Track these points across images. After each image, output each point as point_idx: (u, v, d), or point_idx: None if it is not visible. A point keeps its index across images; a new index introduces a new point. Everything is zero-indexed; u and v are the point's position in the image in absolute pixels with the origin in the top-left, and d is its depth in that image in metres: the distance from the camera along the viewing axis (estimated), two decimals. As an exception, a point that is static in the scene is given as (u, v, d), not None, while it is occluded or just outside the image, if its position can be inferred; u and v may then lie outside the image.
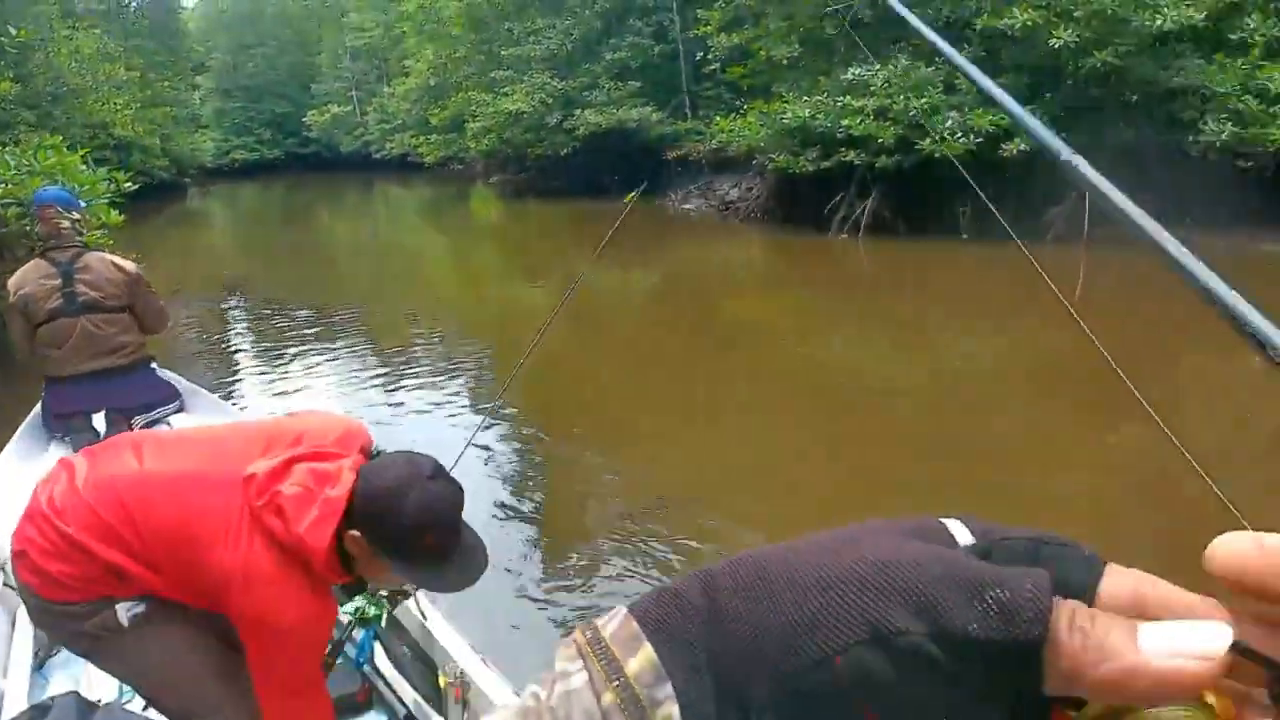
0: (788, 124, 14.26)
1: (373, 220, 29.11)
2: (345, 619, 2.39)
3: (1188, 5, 12.05)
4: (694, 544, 4.55)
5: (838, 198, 14.49)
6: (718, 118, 17.55)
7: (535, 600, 4.11)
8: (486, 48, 28.00)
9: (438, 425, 6.50)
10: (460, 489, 1.76)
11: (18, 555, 1.80)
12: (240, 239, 24.98)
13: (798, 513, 5.05)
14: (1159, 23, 12.08)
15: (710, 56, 16.87)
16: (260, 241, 23.50)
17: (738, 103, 21.00)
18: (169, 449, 1.89)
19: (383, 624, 2.44)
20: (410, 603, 2.52)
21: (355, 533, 1.68)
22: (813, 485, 5.49)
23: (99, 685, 2.46)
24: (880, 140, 13.22)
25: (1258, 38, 12.54)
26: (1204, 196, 12.91)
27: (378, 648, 2.56)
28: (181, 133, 39.35)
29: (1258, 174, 12.20)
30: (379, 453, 1.81)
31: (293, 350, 9.36)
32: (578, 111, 23.95)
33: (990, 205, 2.23)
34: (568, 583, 4.29)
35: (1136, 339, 7.63)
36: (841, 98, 13.92)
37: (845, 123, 13.50)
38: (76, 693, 2.00)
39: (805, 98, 14.48)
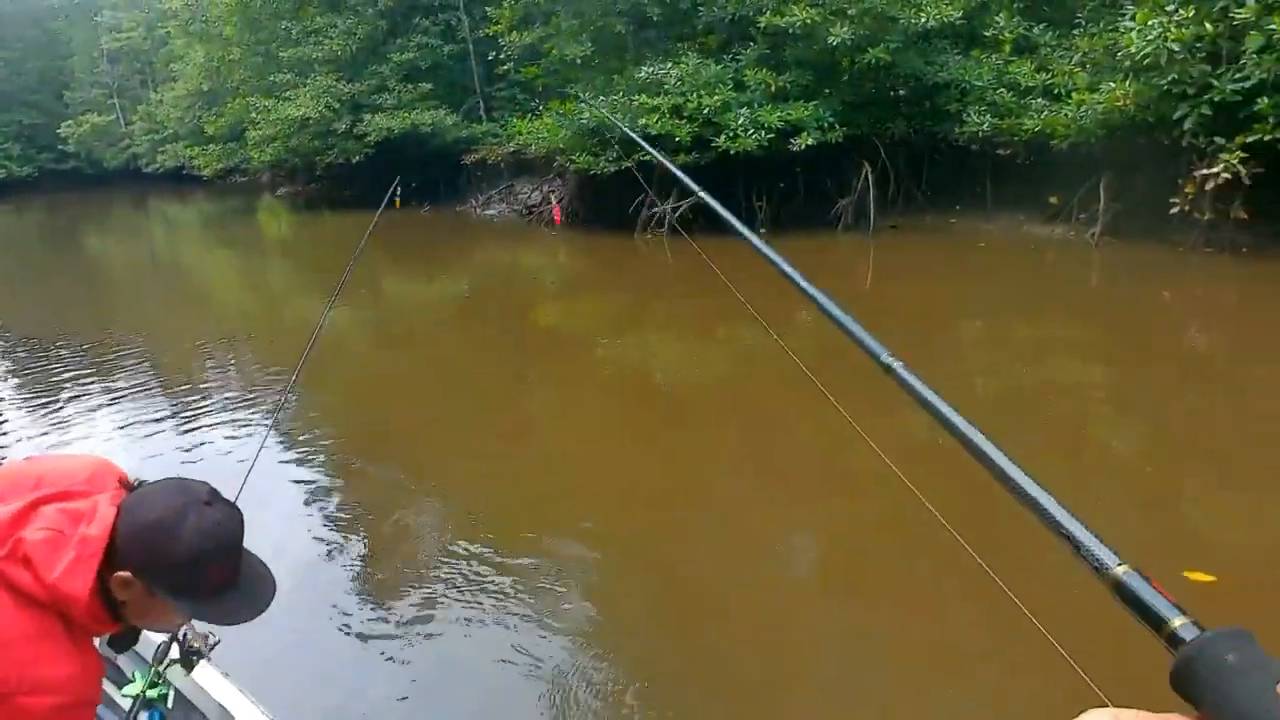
0: (586, 124, 14.17)
1: (148, 240, 26.84)
2: (125, 702, 2.12)
3: (947, 4, 12.91)
4: (517, 560, 4.39)
5: (640, 198, 14.56)
6: (514, 120, 17.27)
7: (341, 654, 3.72)
8: (263, 49, 26.30)
9: (233, 460, 6.00)
10: (239, 512, 1.56)
11: None
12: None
13: (621, 518, 5.02)
14: (922, 19, 12.88)
15: (503, 56, 16.48)
16: (16, 271, 21.01)
17: (533, 104, 20.85)
18: None
19: (169, 705, 2.15)
20: (203, 678, 2.26)
21: (124, 573, 1.47)
22: (631, 488, 5.46)
23: None
24: (677, 138, 13.38)
25: (1007, 34, 13.64)
26: (970, 184, 13.98)
27: None
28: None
29: (1014, 160, 13.27)
30: (140, 484, 1.59)
31: (64, 394, 8.37)
32: (367, 116, 22.92)
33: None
34: (387, 625, 3.93)
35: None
36: (637, 96, 13.98)
37: (643, 121, 13.56)
38: None
39: (601, 97, 14.44)
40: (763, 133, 13.14)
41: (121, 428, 7.21)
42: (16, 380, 9.42)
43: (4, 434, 7.37)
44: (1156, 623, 0.65)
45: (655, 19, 14.71)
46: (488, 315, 11.14)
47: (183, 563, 1.48)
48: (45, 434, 7.24)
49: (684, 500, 5.27)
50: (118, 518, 1.48)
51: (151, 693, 2.09)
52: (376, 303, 12.92)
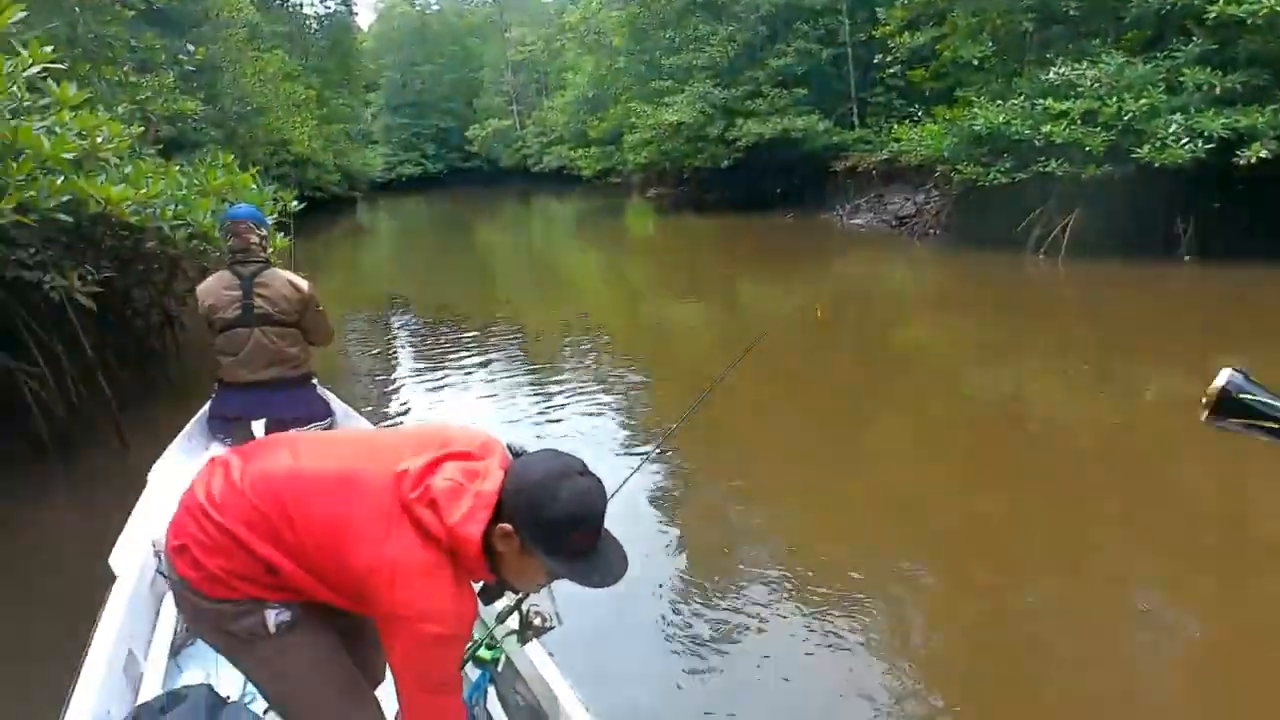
0: (977, 131, 12.96)
1: (528, 234, 29.28)
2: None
3: None
4: (842, 595, 3.99)
5: (1035, 213, 13.05)
6: (895, 125, 16.34)
7: (668, 662, 3.61)
8: (647, 57, 27.60)
9: (590, 450, 5.87)
10: (603, 486, 1.74)
11: (177, 550, 1.83)
12: (403, 253, 25.45)
13: (960, 570, 4.36)
14: None
15: (891, 59, 15.63)
16: (421, 256, 23.87)
17: (910, 109, 19.70)
18: (322, 448, 1.90)
19: (499, 669, 2.41)
20: (532, 653, 2.45)
21: (506, 525, 1.68)
22: (976, 537, 4.70)
23: (227, 681, 2.53)
24: (1088, 147, 11.77)
25: None
26: None
27: (491, 692, 2.48)
28: (353, 148, 41.08)
29: None
30: (522, 451, 1.81)
31: (448, 368, 9.07)
32: (739, 121, 23.12)
33: None
34: (708, 642, 3.73)
35: None
36: (1040, 100, 12.51)
37: (1046, 129, 12.11)
38: (209, 685, 2.22)
39: (998, 101, 13.12)
40: (1199, 142, 11.13)
41: (491, 404, 7.60)
42: (410, 351, 10.46)
43: (394, 398, 8.10)
44: None
45: (1070, 13, 13.07)
46: (840, 330, 10.42)
47: (556, 520, 1.64)
48: (426, 402, 7.85)
49: (1036, 559, 4.45)
50: (506, 478, 1.71)
51: (486, 653, 2.26)
52: (726, 307, 12.79)
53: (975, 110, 13.10)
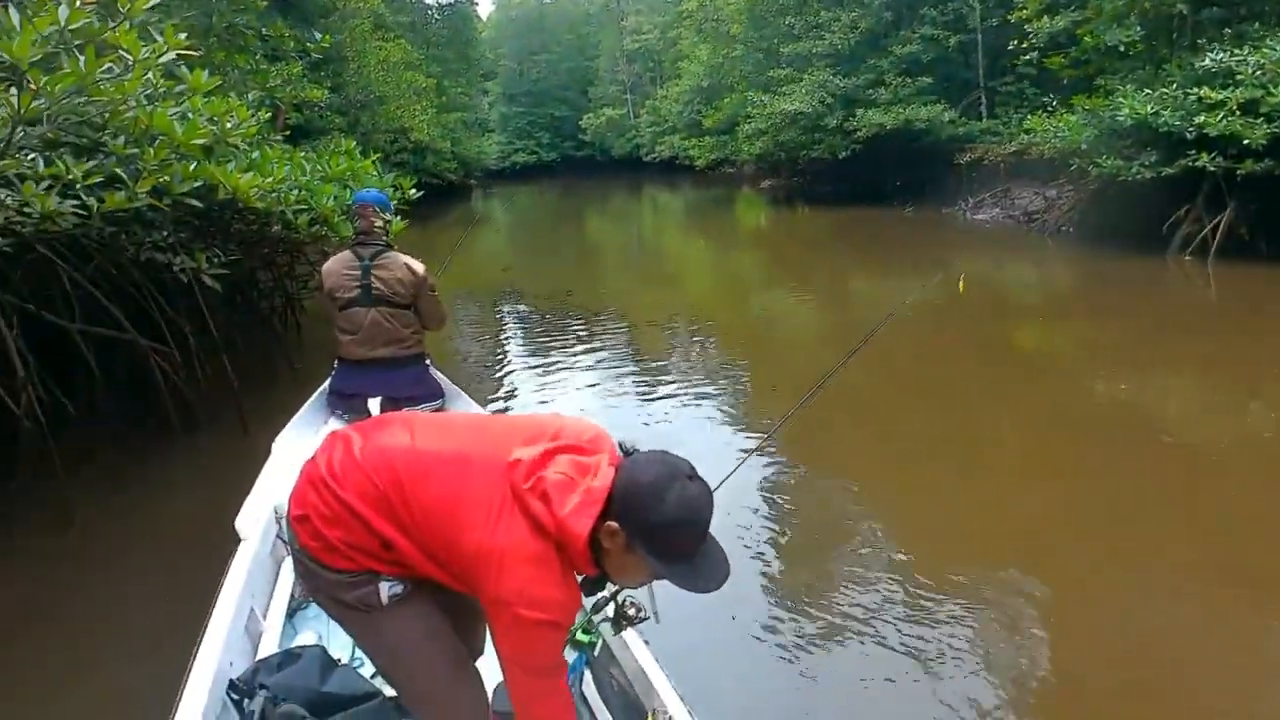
0: (1121, 121, 12.10)
1: (639, 224, 29.22)
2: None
3: None
4: (959, 613, 3.77)
5: (1182, 210, 12.14)
6: (1030, 116, 15.46)
7: (763, 658, 3.57)
8: (765, 45, 27.09)
9: (694, 443, 5.93)
10: (711, 493, 1.75)
11: (299, 519, 1.90)
12: (515, 240, 25.77)
13: (1084, 591, 4.03)
14: None
15: (1027, 45, 14.76)
16: (532, 243, 24.13)
17: (1044, 99, 18.65)
18: (438, 429, 1.95)
19: (595, 653, 2.40)
20: (628, 638, 2.48)
21: (613, 524, 1.69)
22: (1114, 567, 4.25)
23: (338, 644, 2.75)
24: (1246, 141, 10.84)
25: None
26: None
27: (587, 676, 2.54)
28: (470, 137, 41.87)
29: None
30: (633, 450, 1.82)
31: (555, 355, 9.17)
32: (860, 111, 22.42)
33: None
34: (802, 642, 3.65)
35: None
36: (1193, 89, 11.60)
37: (1199, 120, 11.22)
38: (322, 647, 2.41)
39: (1146, 90, 12.22)
40: (1381, 137, 10.11)
41: (596, 393, 7.56)
42: (519, 337, 10.55)
43: (503, 383, 8.15)
44: None
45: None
46: (964, 329, 9.81)
47: (663, 524, 1.67)
48: (532, 387, 7.89)
49: (1167, 579, 4.13)
50: (616, 476, 1.73)
51: (583, 637, 2.26)
52: (838, 301, 12.37)
53: (1119, 99, 12.24)
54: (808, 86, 23.53)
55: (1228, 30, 12.47)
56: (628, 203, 37.09)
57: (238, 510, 3.31)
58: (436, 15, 48.80)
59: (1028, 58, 15.44)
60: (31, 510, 5.02)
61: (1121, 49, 13.20)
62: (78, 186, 4.45)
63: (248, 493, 3.51)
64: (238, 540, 3.13)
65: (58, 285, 5.73)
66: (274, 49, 10.09)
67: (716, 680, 3.33)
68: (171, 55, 4.22)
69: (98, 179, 4.50)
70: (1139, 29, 12.97)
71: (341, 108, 23.79)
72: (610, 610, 2.19)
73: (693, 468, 1.74)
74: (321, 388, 4.76)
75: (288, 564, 3.15)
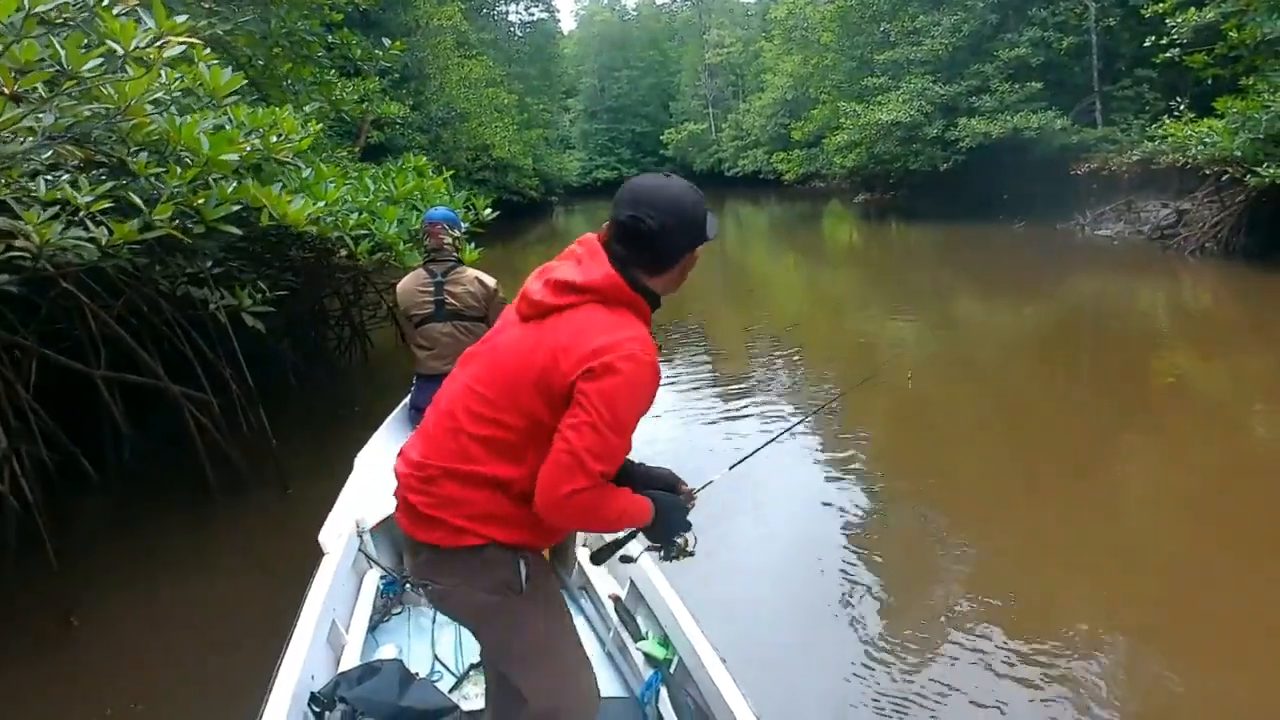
0: (1289, 124, 10.60)
1: (721, 240, 28.16)
2: (639, 656, 2.74)
3: None
4: (1049, 662, 3.44)
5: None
6: (1152, 123, 13.90)
7: (840, 678, 3.43)
8: (858, 53, 25.79)
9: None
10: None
11: (413, 521, 1.88)
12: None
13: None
14: None
15: (1167, 42, 13.22)
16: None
17: (1167, 103, 17.02)
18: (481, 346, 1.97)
19: (671, 670, 2.60)
20: (704, 656, 2.51)
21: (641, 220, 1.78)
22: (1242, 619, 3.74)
23: (418, 658, 2.92)
24: None
25: None
26: None
27: (663, 694, 2.56)
28: (551, 153, 41.46)
29: None
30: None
31: None
32: (961, 120, 20.96)
33: None
34: (878, 663, 3.52)
35: None
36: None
37: (1390, 120, 9.67)
38: (400, 661, 2.62)
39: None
40: None
41: (674, 418, 7.09)
42: None
43: None
44: None
45: None
46: (1084, 360, 8.92)
47: (674, 195, 1.83)
48: None
49: None
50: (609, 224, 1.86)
51: (659, 651, 2.65)
52: (945, 325, 11.24)
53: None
54: (905, 95, 22.17)
55: None
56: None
57: (272, 592, 3.34)
58: (519, 33, 48.94)
59: (1168, 55, 13.84)
60: (29, 609, 4.16)
61: (1277, 44, 11.61)
62: (81, 214, 3.64)
63: (328, 509, 3.54)
64: (321, 554, 3.17)
65: (84, 326, 4.97)
66: (346, 61, 9.40)
67: (795, 701, 3.25)
68: (177, 48, 3.33)
69: (105, 205, 3.68)
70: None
71: (423, 125, 23.47)
72: (654, 557, 2.19)
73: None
74: (403, 402, 4.84)
75: (370, 577, 3.26)
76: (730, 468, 2.37)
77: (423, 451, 1.86)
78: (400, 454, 1.95)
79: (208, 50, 4.47)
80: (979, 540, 4.66)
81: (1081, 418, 6.88)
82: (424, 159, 8.33)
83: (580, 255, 1.81)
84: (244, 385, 5.32)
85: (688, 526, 2.00)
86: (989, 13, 21.80)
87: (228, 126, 4.50)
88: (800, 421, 5.43)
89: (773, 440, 2.81)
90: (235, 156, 4.19)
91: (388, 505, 3.39)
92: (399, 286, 4.59)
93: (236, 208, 4.38)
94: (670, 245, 1.81)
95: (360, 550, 3.36)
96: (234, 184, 4.43)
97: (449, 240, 4.45)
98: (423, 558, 1.90)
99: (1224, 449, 6.03)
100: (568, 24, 66.22)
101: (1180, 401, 7.33)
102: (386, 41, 8.20)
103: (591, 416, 1.65)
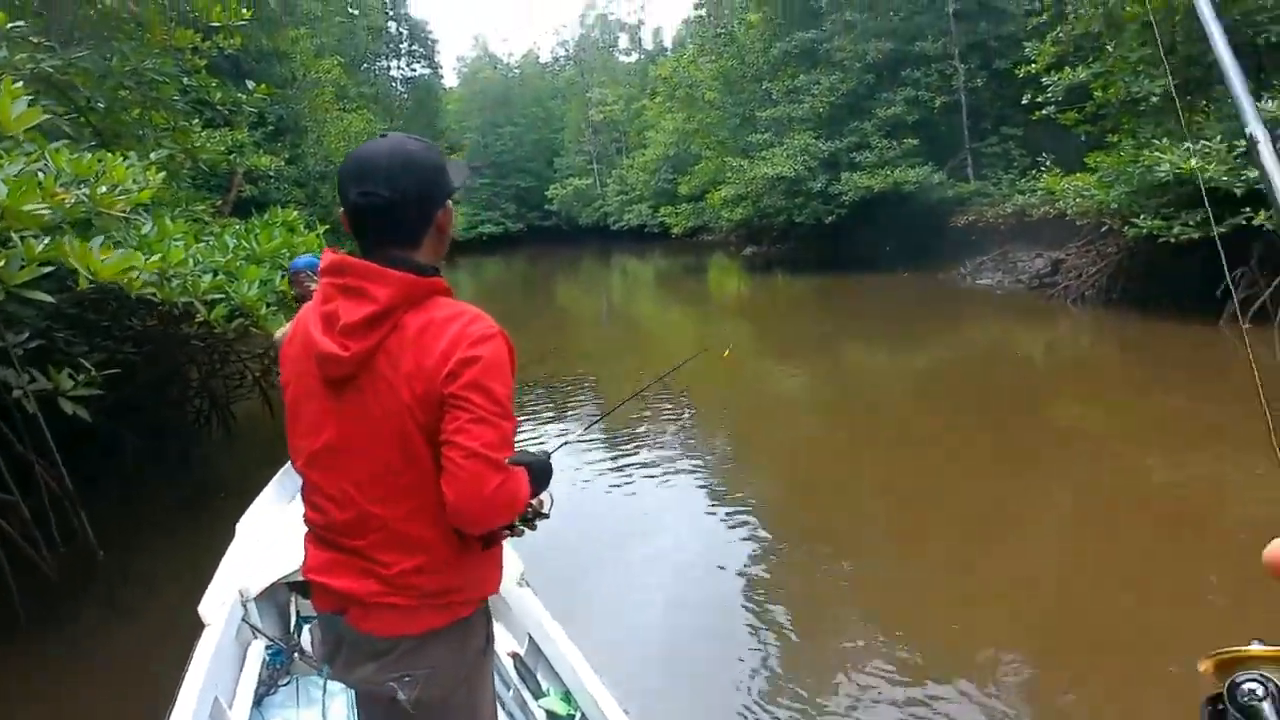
0: (1161, 178, 10.93)
1: (609, 293, 28.06)
2: (540, 714, 2.74)
3: None
4: (942, 694, 3.48)
5: (1237, 273, 10.90)
6: (1046, 176, 14.39)
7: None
8: (741, 110, 26.18)
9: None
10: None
11: (343, 605, 1.65)
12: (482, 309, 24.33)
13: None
14: None
15: (1043, 99, 13.74)
16: (499, 313, 22.59)
17: (1032, 159, 17.90)
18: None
19: None
20: (607, 711, 2.49)
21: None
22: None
23: None
24: (1311, 195, 9.66)
25: None
26: None
27: None
28: (436, 208, 40.49)
29: None
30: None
31: (522, 426, 8.38)
32: (844, 174, 21.40)
33: None
34: (780, 703, 3.50)
35: None
36: (1241, 141, 10.46)
37: (1252, 174, 10.04)
38: None
39: (1186, 144, 11.07)
40: None
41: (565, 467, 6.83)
42: None
43: None
44: None
45: (1272, 40, 11.08)
46: (972, 404, 8.97)
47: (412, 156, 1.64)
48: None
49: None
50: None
51: (561, 708, 2.64)
52: (835, 372, 11.44)
53: (1157, 154, 11.08)
54: (788, 150, 22.52)
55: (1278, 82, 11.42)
56: (597, 271, 36.35)
57: None
58: (401, 88, 48.23)
59: (1044, 112, 14.35)
60: None
61: (1155, 100, 12.08)
62: None
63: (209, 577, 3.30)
64: (202, 626, 2.97)
65: None
66: (212, 109, 8.58)
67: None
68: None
69: None
70: (1170, 79, 11.90)
71: (300, 179, 22.51)
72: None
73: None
74: (286, 465, 4.38)
75: (254, 649, 3.06)
76: (586, 429, 2.34)
77: (354, 547, 1.61)
78: (313, 568, 1.69)
79: (18, 84, 3.73)
80: (873, 577, 4.74)
81: (972, 459, 6.98)
82: (294, 213, 7.58)
83: (346, 283, 1.57)
84: (61, 482, 4.42)
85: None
86: (865, 73, 22.47)
87: (43, 174, 3.75)
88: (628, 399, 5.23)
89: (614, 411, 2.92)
90: (46, 209, 3.44)
91: (273, 571, 3.24)
92: (276, 336, 4.41)
93: (47, 270, 3.61)
94: (416, 210, 1.60)
95: (244, 621, 3.14)
96: (45, 241, 3.67)
97: (314, 286, 3.89)
98: (395, 654, 1.62)
99: (1107, 485, 6.19)
100: (451, 80, 65.74)
101: (1066, 441, 7.53)
102: (251, 85, 7.44)
103: (475, 412, 1.51)
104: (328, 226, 8.24)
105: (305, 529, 1.75)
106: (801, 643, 4.06)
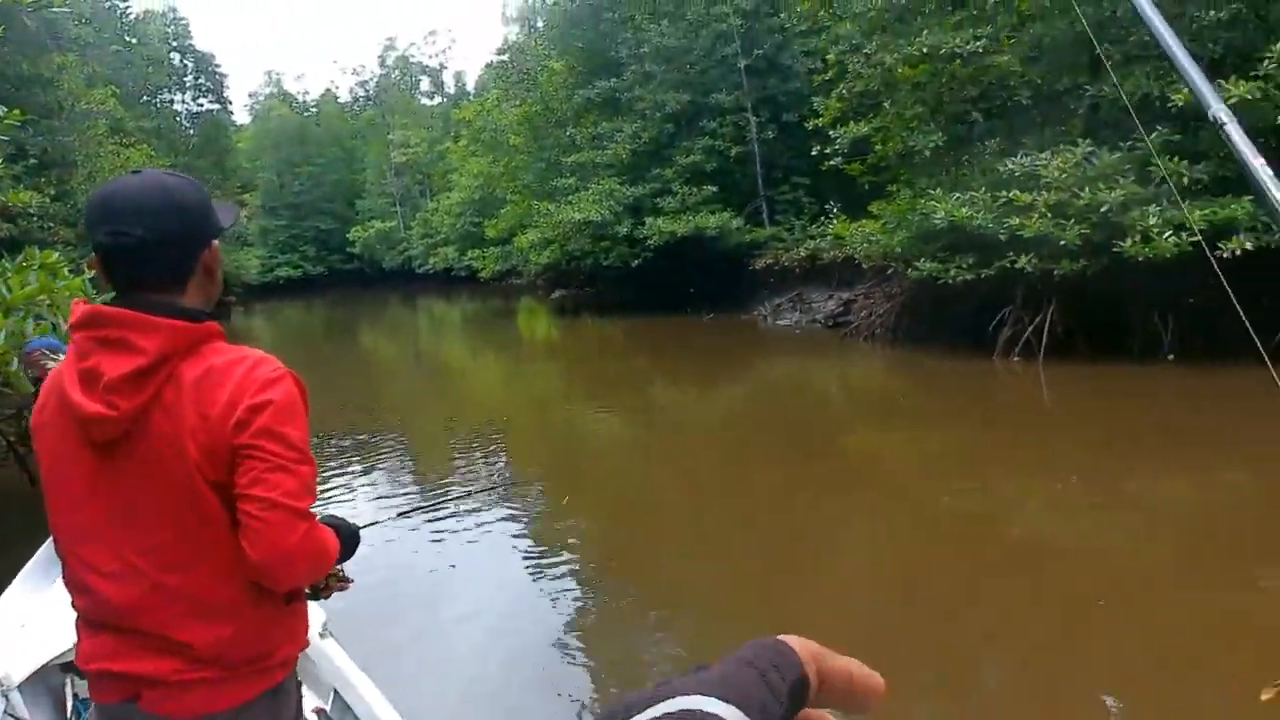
0: (937, 224, 11.88)
1: (415, 339, 27.40)
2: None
3: None
4: None
5: (1005, 311, 11.95)
6: (835, 222, 15.34)
7: None
8: (546, 155, 26.39)
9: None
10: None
11: (137, 689, 1.47)
12: (281, 359, 23.01)
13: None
14: None
15: (832, 150, 14.69)
16: (304, 361, 21.44)
17: (821, 207, 19.27)
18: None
19: None
20: None
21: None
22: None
23: None
24: (1062, 242, 10.77)
25: None
26: None
27: None
28: (227, 250, 37.98)
29: None
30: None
31: (331, 479, 8.20)
32: (649, 219, 21.95)
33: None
34: None
35: None
36: (1002, 192, 11.55)
37: (1013, 222, 11.10)
38: None
39: (956, 194, 12.11)
40: (1184, 236, 10.25)
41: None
42: None
43: None
44: None
45: (1023, 103, 12.36)
46: (783, 440, 9.37)
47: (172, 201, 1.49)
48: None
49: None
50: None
51: None
52: (645, 412, 11.72)
53: (933, 203, 12.05)
54: (594, 195, 22.86)
55: (1026, 140, 12.69)
56: (402, 316, 35.61)
57: None
58: (186, 123, 45.43)
59: (832, 163, 15.32)
60: None
61: (929, 154, 13.15)
62: None
63: None
64: None
65: None
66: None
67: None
68: None
69: None
70: (941, 135, 13.01)
71: (69, 217, 20.55)
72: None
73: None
74: (47, 542, 3.86)
75: None
76: (399, 515, 2.53)
77: (143, 627, 1.44)
78: (92, 656, 1.50)
79: None
80: (687, 618, 4.82)
81: (775, 490, 7.30)
82: (54, 255, 6.80)
83: (106, 335, 1.42)
84: None
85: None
86: (665, 122, 23.23)
87: None
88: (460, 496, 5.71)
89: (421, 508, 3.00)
90: None
91: (41, 653, 2.88)
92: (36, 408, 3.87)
93: None
94: (178, 250, 1.48)
95: (7, 714, 2.82)
96: None
97: (51, 364, 3.91)
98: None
99: (898, 508, 6.64)
100: (243, 117, 62.51)
101: (861, 469, 8.10)
102: (3, 109, 6.65)
103: (270, 461, 1.39)
104: (94, 271, 7.46)
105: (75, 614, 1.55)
106: (622, 682, 4.15)
